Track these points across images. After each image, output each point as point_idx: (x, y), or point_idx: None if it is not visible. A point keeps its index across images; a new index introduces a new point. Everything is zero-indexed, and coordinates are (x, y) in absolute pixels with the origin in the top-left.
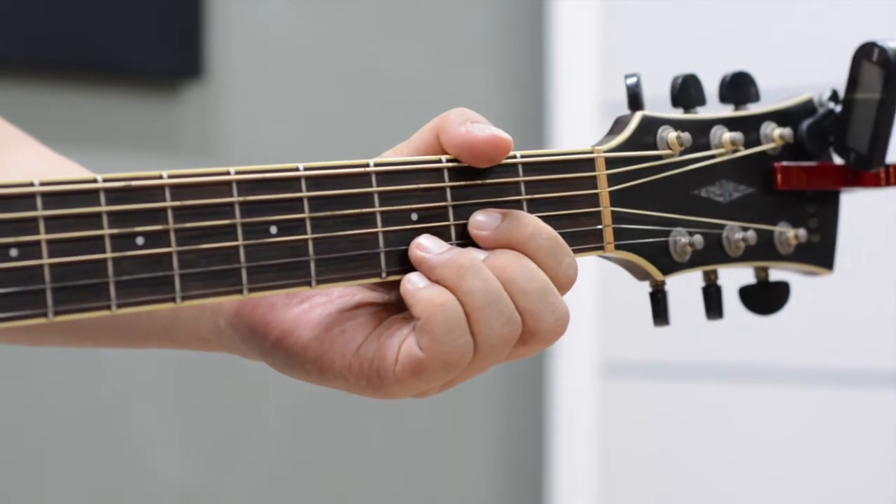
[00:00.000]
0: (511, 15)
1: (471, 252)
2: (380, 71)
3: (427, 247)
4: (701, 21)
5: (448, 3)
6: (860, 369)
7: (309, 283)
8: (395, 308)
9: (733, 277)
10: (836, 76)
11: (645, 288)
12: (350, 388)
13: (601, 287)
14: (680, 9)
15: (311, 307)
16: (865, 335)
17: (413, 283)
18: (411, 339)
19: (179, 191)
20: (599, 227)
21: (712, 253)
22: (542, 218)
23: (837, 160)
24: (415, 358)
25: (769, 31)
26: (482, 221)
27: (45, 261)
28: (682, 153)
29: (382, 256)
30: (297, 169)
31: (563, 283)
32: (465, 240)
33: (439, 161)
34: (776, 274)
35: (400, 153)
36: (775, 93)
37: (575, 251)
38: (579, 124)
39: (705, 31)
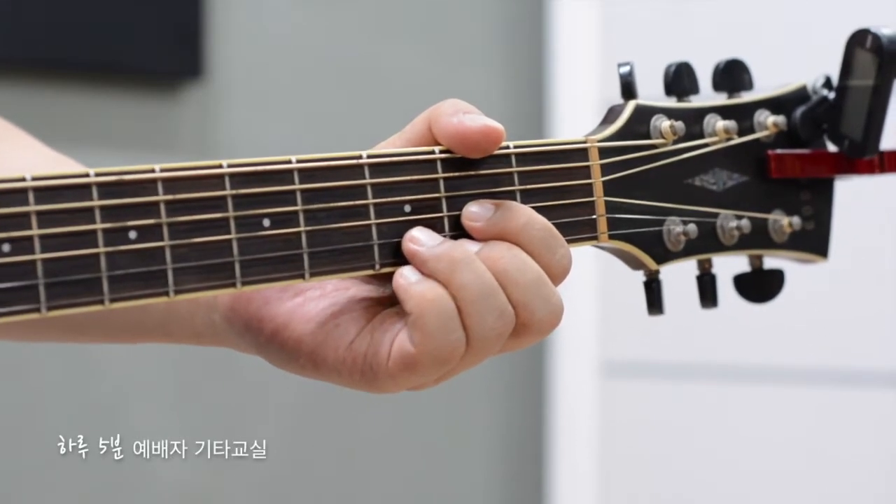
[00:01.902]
0: (511, 15)
1: (464, 244)
2: (380, 71)
3: (420, 239)
4: (701, 21)
5: (448, 3)
6: (860, 369)
7: (302, 276)
8: (390, 302)
9: (729, 268)
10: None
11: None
12: (344, 382)
13: (601, 287)
14: (680, 9)
15: (305, 301)
16: (865, 335)
17: (405, 278)
18: (403, 335)
19: (172, 184)
20: (593, 216)
21: (706, 241)
22: (536, 208)
23: (831, 147)
24: (407, 353)
25: (769, 29)
26: (475, 212)
27: (38, 256)
28: (675, 142)
29: (376, 249)
30: (289, 162)
31: (557, 274)
32: (459, 231)
33: (432, 152)
34: (770, 262)
35: (392, 145)
36: (771, 88)
37: (569, 241)
38: (579, 123)
39: (705, 31)
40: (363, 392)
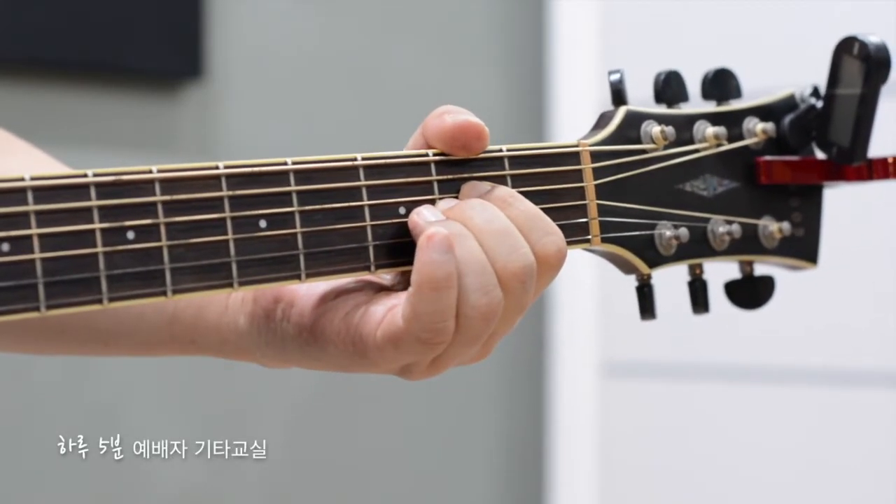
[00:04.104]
0: (511, 15)
1: (459, 224)
2: (380, 71)
3: (423, 214)
4: (700, 23)
5: (449, 3)
6: (860, 369)
7: (298, 277)
8: (398, 291)
9: (722, 273)
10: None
11: None
12: (340, 359)
13: (601, 287)
14: (679, 10)
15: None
16: (865, 335)
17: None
18: (397, 309)
19: (169, 185)
20: (585, 220)
21: (697, 246)
22: None
23: (820, 154)
24: (394, 323)
25: (767, 34)
26: (469, 188)
27: (37, 255)
28: (666, 147)
29: (371, 250)
30: (285, 163)
31: (545, 258)
32: None
33: (426, 155)
34: (761, 268)
35: None
36: (773, 93)
37: None
38: (579, 125)
39: (704, 33)
40: (365, 386)
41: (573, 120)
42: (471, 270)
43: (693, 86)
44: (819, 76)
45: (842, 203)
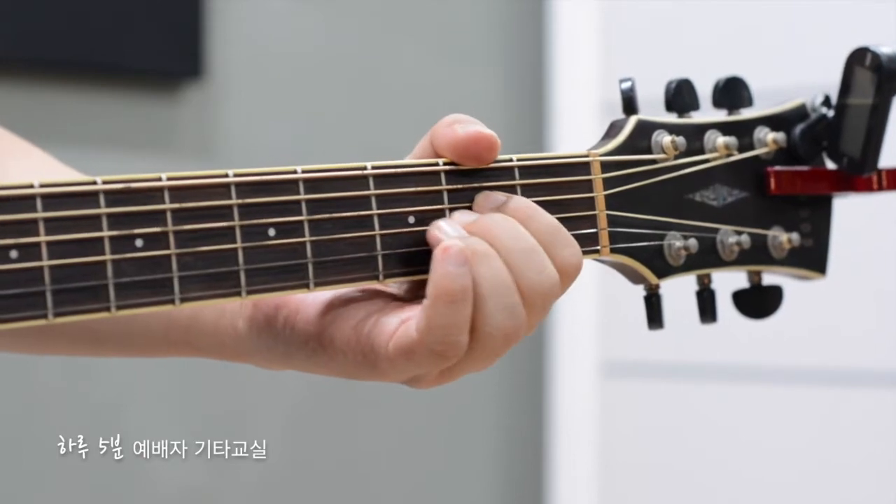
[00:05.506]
0: (511, 15)
1: (484, 242)
2: (380, 71)
3: (444, 229)
4: (700, 23)
5: (448, 3)
6: (860, 369)
7: (307, 286)
8: (406, 300)
9: (729, 280)
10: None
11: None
12: (349, 368)
13: (601, 287)
14: (679, 10)
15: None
16: (865, 335)
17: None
18: (411, 322)
19: (178, 193)
20: (595, 230)
21: (706, 257)
22: None
23: (830, 165)
24: (408, 338)
25: (768, 33)
26: (483, 201)
27: (45, 262)
28: (676, 157)
29: (380, 259)
30: (294, 172)
31: (564, 270)
32: None
33: (436, 164)
34: (769, 278)
35: None
36: (776, 95)
37: None
38: (579, 126)
39: (705, 33)
40: (365, 386)
41: (573, 120)
42: (496, 292)
43: (696, 87)
44: (816, 74)
45: (841, 204)
